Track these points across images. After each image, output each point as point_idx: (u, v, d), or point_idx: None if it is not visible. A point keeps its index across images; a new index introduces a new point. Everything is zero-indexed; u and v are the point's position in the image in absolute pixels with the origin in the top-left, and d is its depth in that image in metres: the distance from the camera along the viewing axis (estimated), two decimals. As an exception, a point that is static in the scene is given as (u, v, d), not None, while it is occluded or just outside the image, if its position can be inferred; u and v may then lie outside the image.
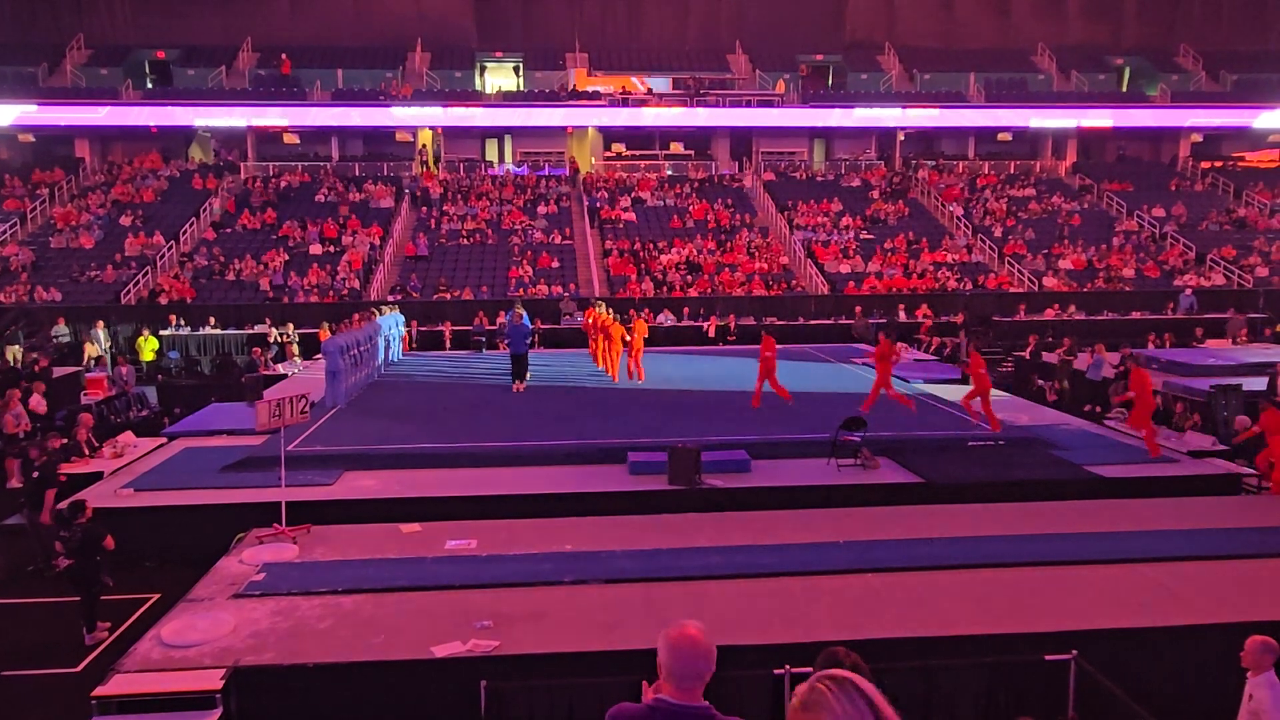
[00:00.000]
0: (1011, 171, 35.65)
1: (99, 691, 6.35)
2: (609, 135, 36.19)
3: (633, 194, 32.47)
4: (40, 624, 8.88)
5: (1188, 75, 37.67)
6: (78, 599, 8.51)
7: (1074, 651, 6.65)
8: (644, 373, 17.42)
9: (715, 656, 2.93)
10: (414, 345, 23.15)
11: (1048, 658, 6.68)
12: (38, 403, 14.96)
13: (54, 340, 22.06)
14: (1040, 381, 18.76)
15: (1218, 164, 36.32)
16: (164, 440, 13.70)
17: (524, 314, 17.42)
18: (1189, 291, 26.16)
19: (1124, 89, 38.47)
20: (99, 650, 8.25)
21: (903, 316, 25.05)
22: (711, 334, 24.06)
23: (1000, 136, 35.99)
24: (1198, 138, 37.04)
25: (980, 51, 38.21)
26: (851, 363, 20.04)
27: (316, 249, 27.86)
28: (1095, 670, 6.50)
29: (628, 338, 17.47)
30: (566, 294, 25.77)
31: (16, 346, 20.66)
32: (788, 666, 6.35)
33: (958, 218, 31.39)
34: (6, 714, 7.33)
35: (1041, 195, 33.38)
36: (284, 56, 34.73)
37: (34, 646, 8.34)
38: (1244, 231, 30.98)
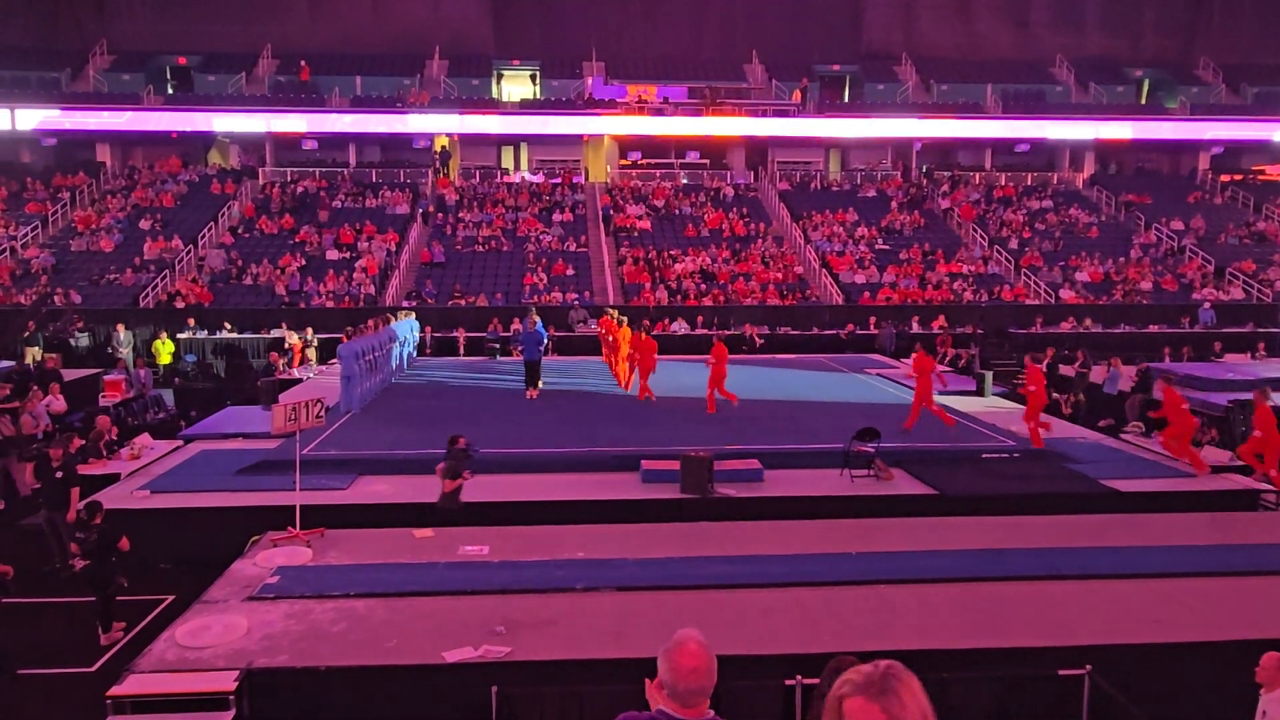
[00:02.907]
0: (1029, 183, 35.52)
1: (114, 691, 6.40)
2: (625, 144, 36.29)
3: (647, 202, 32.54)
4: (57, 624, 8.96)
5: (1207, 88, 37.46)
6: (94, 599, 8.59)
7: (1088, 666, 6.61)
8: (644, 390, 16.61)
9: (715, 670, 2.91)
10: (429, 350, 23.26)
11: (1061, 672, 6.64)
12: (52, 402, 15.11)
13: (76, 325, 22.30)
14: (1055, 395, 18.64)
15: (1237, 177, 36.07)
16: (180, 443, 13.82)
17: (538, 320, 17.46)
18: (1207, 305, 25.97)
19: (1143, 101, 38.29)
20: (114, 650, 8.32)
21: (917, 328, 24.96)
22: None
23: (1017, 148, 35.87)
24: (1217, 150, 36.79)
25: (998, 63, 38.11)
26: (865, 373, 19.99)
27: (333, 254, 28.04)
28: (1109, 685, 6.46)
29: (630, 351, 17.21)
30: (577, 302, 25.78)
31: (36, 348, 20.86)
32: (799, 677, 6.34)
33: (974, 229, 31.29)
34: (23, 712, 7.39)
35: (1059, 207, 33.23)
36: (303, 63, 35.02)
37: (51, 646, 8.41)
38: (1264, 245, 30.75)
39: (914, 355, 14.62)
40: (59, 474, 10.20)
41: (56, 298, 24.34)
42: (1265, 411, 12.11)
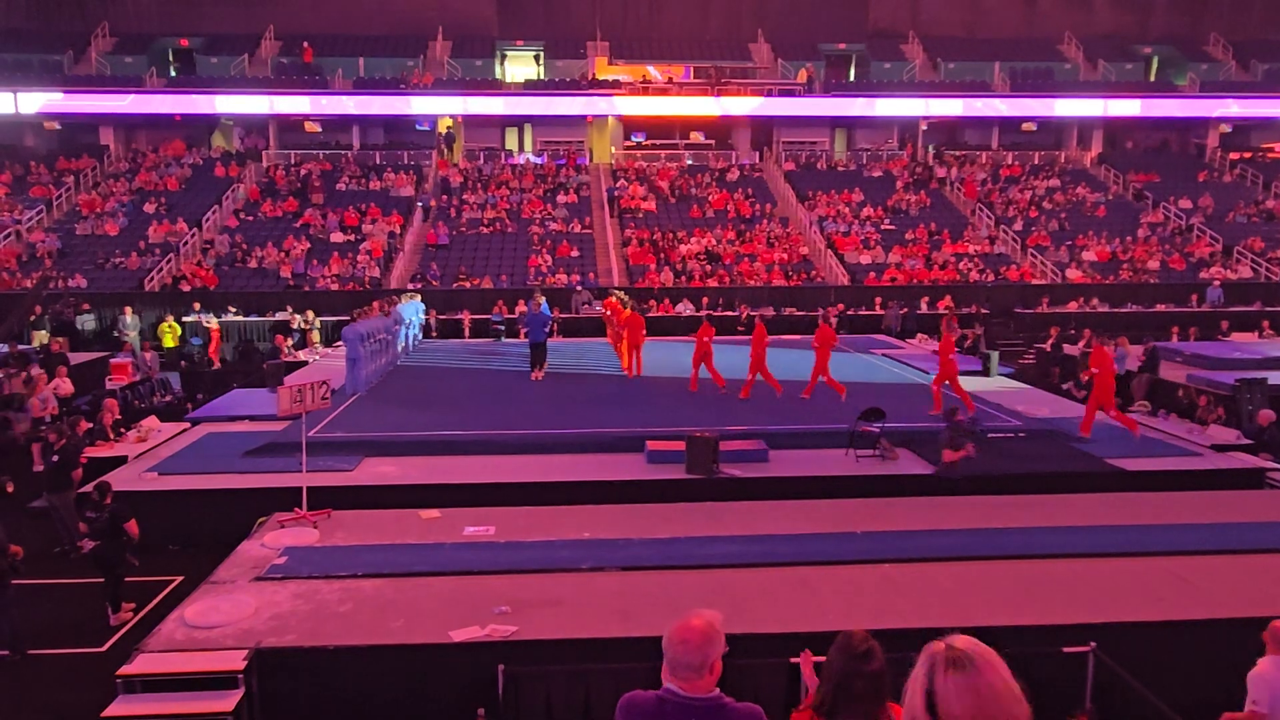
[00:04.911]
0: (1036, 162, 35.28)
1: (124, 670, 6.46)
2: (629, 124, 36.10)
3: (652, 183, 32.42)
4: (66, 604, 9.03)
5: (1217, 65, 37.08)
6: (101, 580, 8.65)
7: (1092, 644, 6.63)
8: (633, 367, 17.07)
9: (712, 648, 2.90)
10: (434, 333, 23.27)
11: (1066, 650, 6.66)
12: (59, 385, 15.17)
13: (82, 308, 22.38)
14: (1064, 386, 18.48)
15: (1247, 155, 35.78)
16: (187, 425, 13.87)
17: (543, 302, 17.43)
18: (1216, 284, 25.84)
19: (1152, 78, 37.94)
20: (124, 630, 8.39)
21: (925, 308, 24.90)
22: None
23: (1025, 127, 35.59)
24: (1226, 128, 36.47)
25: (1005, 41, 37.77)
26: (871, 353, 19.95)
27: (338, 237, 28.02)
28: (1114, 663, 6.47)
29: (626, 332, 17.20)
30: (580, 285, 25.68)
31: (44, 331, 20.94)
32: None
33: (980, 208, 31.13)
34: (34, 692, 7.46)
35: (1066, 186, 33.03)
36: (306, 45, 34.86)
37: (61, 626, 8.48)
38: (1272, 224, 30.54)
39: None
40: (55, 457, 10.25)
41: (61, 281, 24.38)
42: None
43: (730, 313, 24.55)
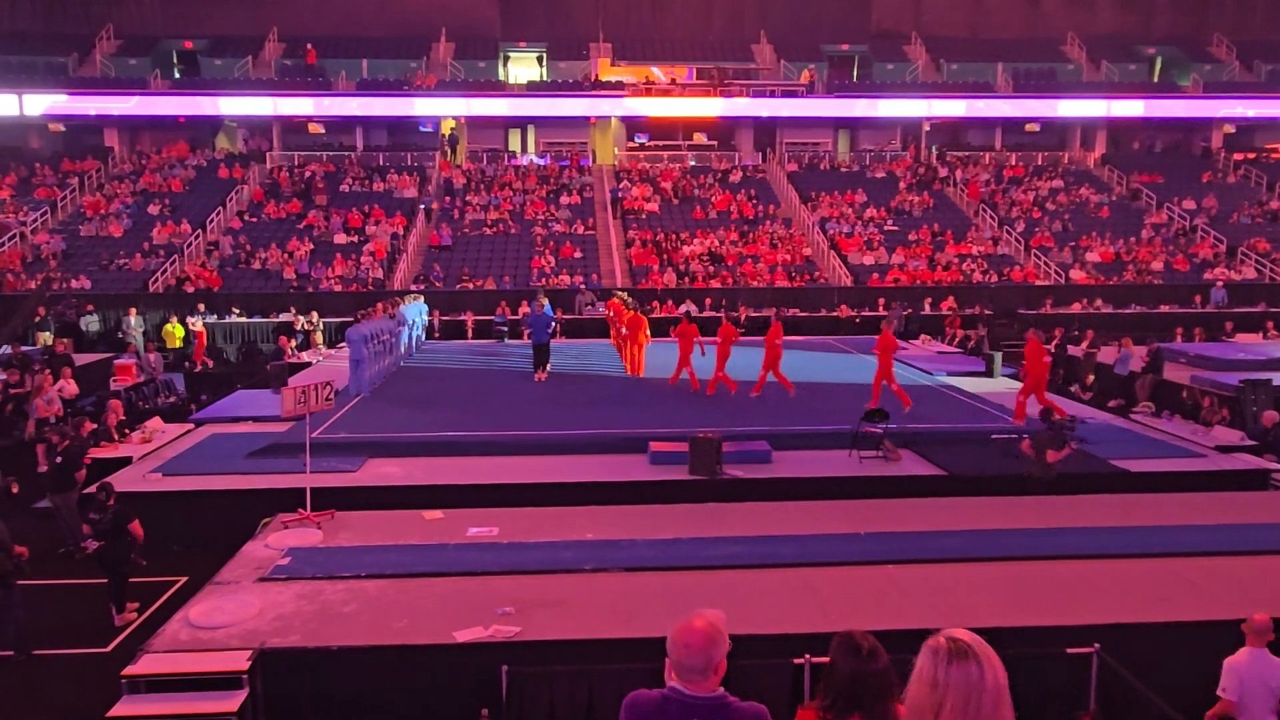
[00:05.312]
0: (1039, 163, 35.25)
1: (128, 671, 6.48)
2: (632, 126, 36.12)
3: (655, 184, 32.42)
4: (71, 605, 9.05)
5: (1221, 65, 37.03)
6: (106, 581, 8.67)
7: (1096, 645, 6.62)
8: (636, 368, 17.24)
9: (716, 650, 2.90)
10: (437, 334, 23.29)
11: (1069, 651, 6.65)
12: (64, 387, 15.21)
13: (77, 305, 22.44)
14: (1070, 388, 18.45)
15: (1251, 156, 35.71)
16: (191, 426, 13.91)
17: (546, 303, 17.44)
18: (1219, 285, 25.79)
19: (1155, 79, 37.88)
20: (128, 631, 8.41)
21: (927, 309, 24.86)
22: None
23: (1028, 127, 35.56)
24: (1230, 129, 36.41)
25: (1008, 41, 37.74)
26: (873, 354, 19.91)
27: (341, 238, 28.05)
28: (1117, 664, 6.47)
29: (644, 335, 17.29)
30: (583, 286, 25.66)
31: (47, 333, 20.98)
32: (807, 655, 6.37)
33: (983, 209, 31.10)
34: (39, 692, 7.48)
35: (1069, 187, 32.98)
36: (309, 46, 34.92)
37: (65, 627, 8.50)
38: (1276, 225, 30.47)
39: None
40: (58, 459, 10.28)
41: (64, 283, 24.43)
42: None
43: (729, 313, 24.50)
